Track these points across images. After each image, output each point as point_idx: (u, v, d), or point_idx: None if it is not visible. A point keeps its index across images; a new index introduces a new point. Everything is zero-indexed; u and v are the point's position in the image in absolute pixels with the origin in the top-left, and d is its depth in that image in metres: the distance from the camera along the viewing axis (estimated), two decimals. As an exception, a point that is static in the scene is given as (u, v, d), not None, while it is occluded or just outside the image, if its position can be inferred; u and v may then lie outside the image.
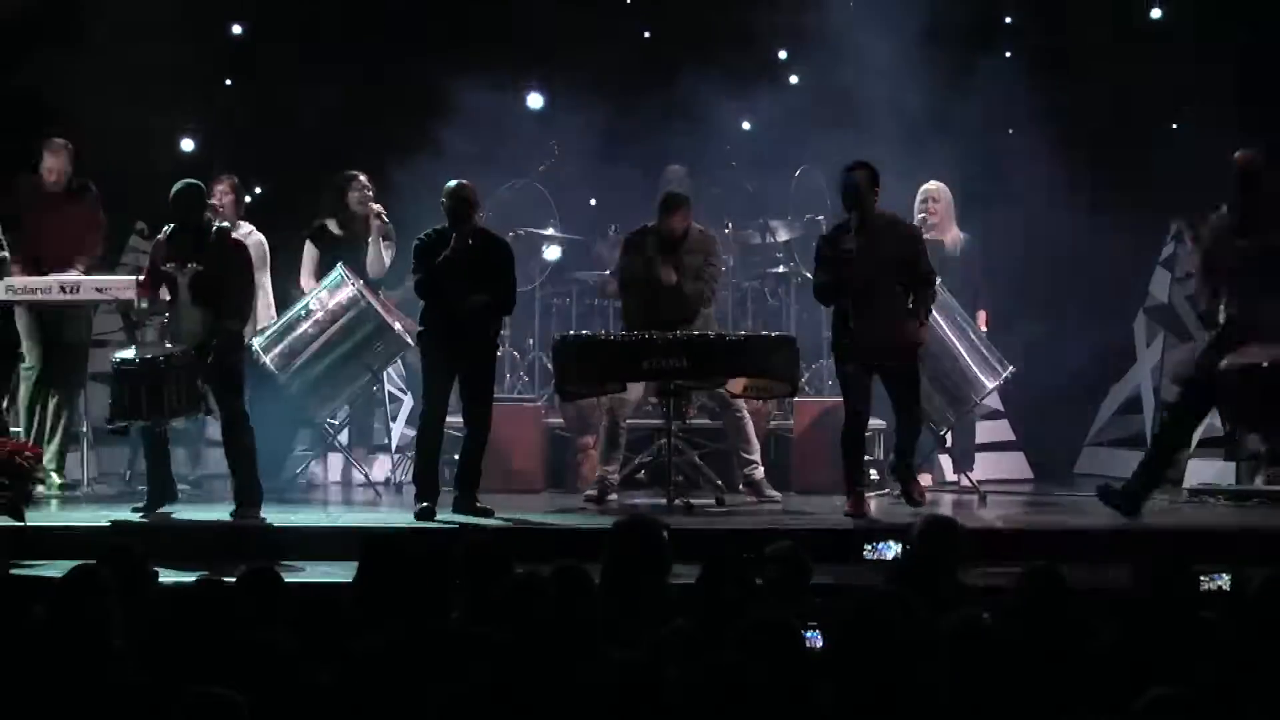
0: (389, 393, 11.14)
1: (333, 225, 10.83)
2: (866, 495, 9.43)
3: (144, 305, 9.44)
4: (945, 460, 10.99)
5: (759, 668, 4.74)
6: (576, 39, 12.72)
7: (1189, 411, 9.33)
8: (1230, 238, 9.09)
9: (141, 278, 9.58)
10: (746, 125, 12.74)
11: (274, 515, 9.31)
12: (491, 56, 12.00)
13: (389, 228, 10.76)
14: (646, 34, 13.31)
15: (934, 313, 9.80)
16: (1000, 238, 11.47)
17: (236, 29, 12.57)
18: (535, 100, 12.60)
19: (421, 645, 5.22)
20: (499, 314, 9.70)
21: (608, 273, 11.40)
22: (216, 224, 9.38)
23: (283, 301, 10.82)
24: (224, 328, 9.09)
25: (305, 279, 10.75)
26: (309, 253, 10.82)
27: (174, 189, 9.21)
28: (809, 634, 5.38)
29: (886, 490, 9.97)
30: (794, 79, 12.87)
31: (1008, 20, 12.76)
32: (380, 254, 10.72)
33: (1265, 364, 8.75)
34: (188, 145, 11.99)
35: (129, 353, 9.28)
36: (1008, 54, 12.24)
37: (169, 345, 9.26)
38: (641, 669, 4.56)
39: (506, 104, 11.99)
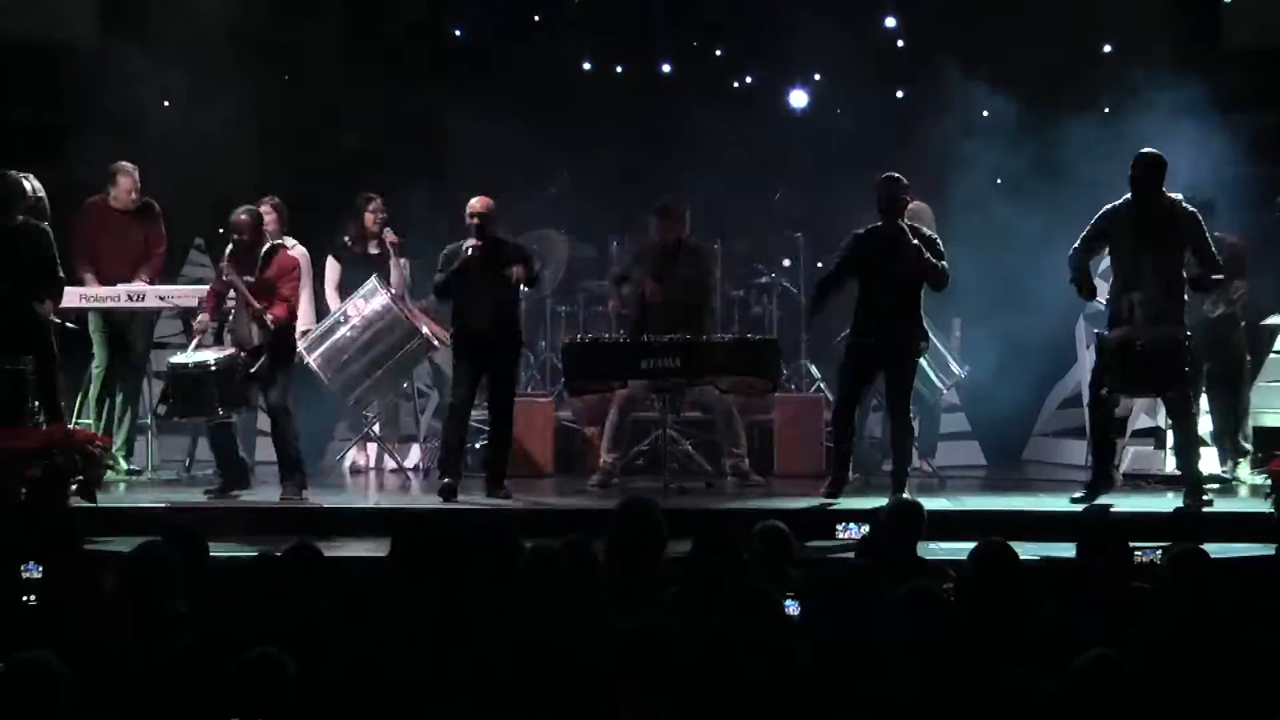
0: (417, 389, 11.16)
1: (351, 242, 10.88)
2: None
3: (203, 315, 9.43)
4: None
5: (744, 632, 4.76)
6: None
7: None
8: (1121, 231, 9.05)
9: (206, 292, 9.59)
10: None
11: (317, 497, 9.33)
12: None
13: (400, 244, 10.81)
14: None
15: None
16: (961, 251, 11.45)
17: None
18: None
19: (446, 612, 5.24)
20: (530, 284, 9.68)
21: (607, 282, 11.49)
22: (270, 241, 9.40)
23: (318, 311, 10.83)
24: (276, 332, 9.13)
25: (329, 290, 10.77)
26: (331, 266, 10.85)
27: (236, 213, 9.27)
28: (788, 603, 5.38)
29: (857, 475, 9.93)
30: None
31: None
32: (402, 272, 10.77)
33: (1140, 342, 8.75)
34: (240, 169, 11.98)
35: (181, 357, 9.31)
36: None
37: (221, 349, 9.27)
38: (641, 633, 4.57)
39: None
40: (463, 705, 4.31)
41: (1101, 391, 8.98)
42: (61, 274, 9.27)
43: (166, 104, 11.45)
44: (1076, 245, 9.05)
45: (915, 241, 8.99)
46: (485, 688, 4.42)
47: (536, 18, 13.21)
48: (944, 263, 9.12)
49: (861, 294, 9.18)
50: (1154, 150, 8.98)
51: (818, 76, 12.95)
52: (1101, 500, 8.80)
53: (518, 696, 4.37)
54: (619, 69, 13.44)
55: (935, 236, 9.27)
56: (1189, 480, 8.95)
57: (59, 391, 9.44)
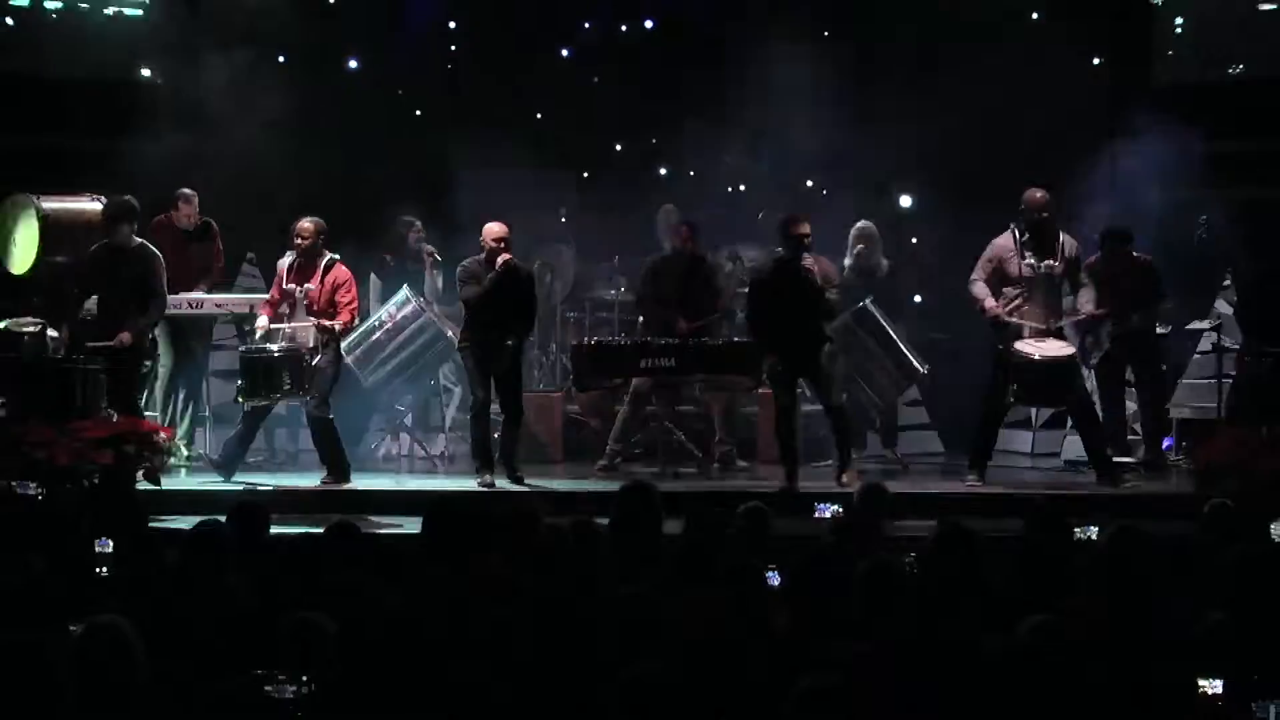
0: (443, 385, 11.17)
1: (391, 261, 10.95)
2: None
3: (262, 317, 9.42)
4: (874, 438, 11.00)
5: (730, 600, 4.78)
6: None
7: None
8: (1016, 256, 9.10)
9: (268, 296, 9.61)
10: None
11: (355, 481, 9.35)
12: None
13: (438, 260, 10.84)
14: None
15: (880, 320, 9.95)
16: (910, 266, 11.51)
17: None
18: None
19: (468, 583, 5.26)
20: (523, 338, 9.75)
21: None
22: (328, 255, 9.41)
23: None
24: (331, 336, 9.15)
25: (373, 302, 10.79)
26: (374, 282, 10.88)
27: (301, 221, 9.30)
28: (769, 574, 5.39)
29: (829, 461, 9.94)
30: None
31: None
32: (435, 282, 10.81)
33: (1037, 356, 8.81)
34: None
35: (251, 345, 9.35)
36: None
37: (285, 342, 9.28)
38: (641, 601, 4.59)
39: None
40: (482, 663, 4.34)
41: (1007, 400, 9.08)
42: (164, 295, 9.33)
43: (219, 133, 11.43)
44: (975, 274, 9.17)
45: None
46: (502, 648, 4.46)
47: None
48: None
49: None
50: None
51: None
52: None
53: (530, 655, 4.40)
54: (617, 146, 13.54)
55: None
56: (1103, 464, 9.00)
57: (134, 390, 9.50)
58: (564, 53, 13.19)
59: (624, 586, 4.90)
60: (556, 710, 4.14)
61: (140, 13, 12.02)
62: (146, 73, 12.08)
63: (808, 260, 9.14)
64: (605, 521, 6.00)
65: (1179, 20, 12.20)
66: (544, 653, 4.38)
